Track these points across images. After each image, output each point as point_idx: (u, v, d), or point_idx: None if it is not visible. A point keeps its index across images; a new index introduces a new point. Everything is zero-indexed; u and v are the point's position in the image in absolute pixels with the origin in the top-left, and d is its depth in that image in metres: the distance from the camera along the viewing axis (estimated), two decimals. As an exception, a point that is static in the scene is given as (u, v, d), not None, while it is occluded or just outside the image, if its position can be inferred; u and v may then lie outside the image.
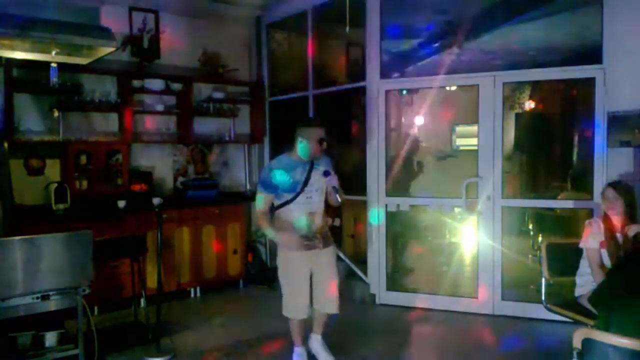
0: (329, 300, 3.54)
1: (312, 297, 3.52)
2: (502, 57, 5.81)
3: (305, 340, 3.70)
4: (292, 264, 3.48)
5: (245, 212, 6.11)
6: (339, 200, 3.39)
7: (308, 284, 3.48)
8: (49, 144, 5.00)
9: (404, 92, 6.74)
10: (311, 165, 3.44)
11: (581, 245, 3.57)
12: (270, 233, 3.48)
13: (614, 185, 3.57)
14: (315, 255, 3.49)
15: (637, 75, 4.13)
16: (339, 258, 5.65)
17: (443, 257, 6.48)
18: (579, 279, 3.63)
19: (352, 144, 6.13)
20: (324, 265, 3.53)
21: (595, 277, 3.47)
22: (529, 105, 7.78)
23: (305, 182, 3.39)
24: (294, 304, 3.50)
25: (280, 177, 3.37)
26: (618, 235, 3.47)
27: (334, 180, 3.37)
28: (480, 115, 4.79)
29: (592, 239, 3.52)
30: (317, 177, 3.43)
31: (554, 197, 5.75)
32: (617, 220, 3.50)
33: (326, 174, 3.38)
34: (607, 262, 3.46)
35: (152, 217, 4.81)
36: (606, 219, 3.52)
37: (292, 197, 3.39)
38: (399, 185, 5.74)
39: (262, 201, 3.43)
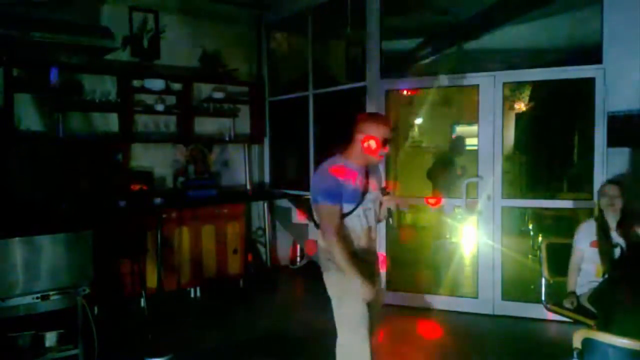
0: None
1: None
2: (502, 57, 5.80)
3: None
4: (360, 305, 2.69)
5: (245, 211, 6.11)
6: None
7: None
8: (49, 144, 4.99)
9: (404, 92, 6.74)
10: (367, 170, 2.81)
11: (574, 243, 3.63)
12: (345, 265, 2.63)
13: (616, 182, 3.61)
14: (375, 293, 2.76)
15: (637, 75, 4.13)
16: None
17: (443, 257, 6.47)
18: (578, 279, 3.64)
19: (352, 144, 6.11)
20: (378, 301, 2.88)
21: (569, 275, 3.59)
22: (529, 105, 7.78)
23: (365, 191, 2.75)
24: (360, 349, 2.70)
25: (342, 183, 2.67)
26: (613, 234, 3.49)
27: (392, 203, 2.80)
28: (480, 115, 4.79)
29: (582, 239, 3.59)
30: (373, 184, 2.83)
31: (554, 197, 5.75)
32: (612, 219, 3.52)
33: (383, 191, 2.82)
34: (599, 261, 3.50)
35: (152, 217, 4.82)
36: (601, 217, 3.55)
37: (353, 208, 2.72)
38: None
39: (334, 215, 2.65)
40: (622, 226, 3.49)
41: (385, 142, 2.69)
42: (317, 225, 2.80)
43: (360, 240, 2.76)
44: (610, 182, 3.65)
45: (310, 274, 5.09)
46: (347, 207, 2.70)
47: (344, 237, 2.70)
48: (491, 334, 4.42)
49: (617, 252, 3.43)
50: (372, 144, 2.68)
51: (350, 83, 5.77)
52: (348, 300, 2.70)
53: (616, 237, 3.50)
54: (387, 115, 2.75)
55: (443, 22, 6.08)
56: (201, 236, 5.51)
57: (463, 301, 4.99)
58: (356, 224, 2.75)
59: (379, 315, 2.97)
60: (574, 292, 3.58)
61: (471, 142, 5.77)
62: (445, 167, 6.09)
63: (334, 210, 2.66)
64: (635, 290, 2.45)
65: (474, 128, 5.00)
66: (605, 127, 4.27)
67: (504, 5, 5.40)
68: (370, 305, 2.72)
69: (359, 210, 2.74)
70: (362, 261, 2.73)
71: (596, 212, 3.64)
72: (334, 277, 2.76)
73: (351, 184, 2.68)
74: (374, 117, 2.86)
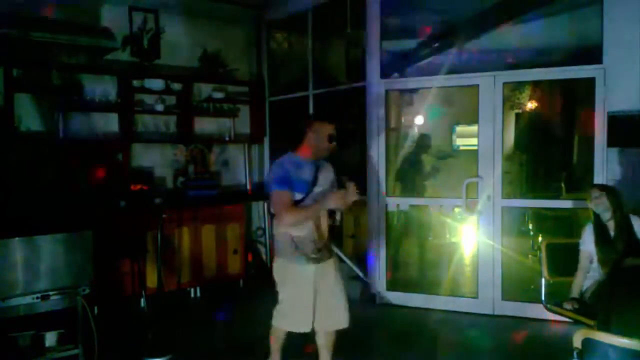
0: (340, 314, 3.24)
1: (315, 319, 3.16)
2: (502, 57, 5.80)
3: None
4: (297, 277, 3.13)
5: (245, 211, 6.11)
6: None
7: (314, 298, 3.14)
8: (49, 144, 4.99)
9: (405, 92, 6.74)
10: (317, 165, 3.16)
11: (579, 246, 3.68)
12: (308, 210, 3.04)
13: (594, 185, 3.84)
14: (322, 269, 3.17)
15: (637, 75, 4.13)
16: (339, 258, 5.69)
17: (443, 256, 6.47)
18: (586, 281, 3.65)
19: (352, 144, 6.12)
20: (332, 278, 3.22)
21: (576, 278, 3.60)
22: (529, 105, 7.78)
23: (314, 182, 3.10)
24: (297, 316, 3.15)
25: (293, 174, 3.04)
26: (611, 233, 3.52)
27: (339, 201, 3.02)
28: (480, 115, 4.80)
29: (587, 241, 3.63)
30: (323, 178, 3.16)
31: (554, 197, 5.75)
32: (606, 215, 3.57)
33: (335, 186, 3.15)
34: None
35: (152, 217, 4.82)
36: (596, 217, 3.61)
37: (302, 197, 3.07)
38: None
39: (286, 196, 2.99)
40: (616, 225, 3.53)
41: (330, 138, 3.11)
42: (271, 215, 3.19)
43: (309, 228, 3.10)
44: (591, 186, 3.81)
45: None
46: (297, 196, 3.05)
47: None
48: (491, 334, 4.41)
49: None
50: (320, 140, 3.09)
51: (350, 83, 5.78)
52: (288, 283, 3.17)
53: (612, 235, 3.56)
54: (328, 116, 3.32)
55: (443, 22, 6.08)
56: (201, 236, 5.51)
57: (463, 301, 4.99)
58: None
59: (340, 284, 3.27)
60: (575, 298, 3.56)
61: (471, 142, 5.77)
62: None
63: (285, 195, 3.01)
64: (635, 290, 2.45)
65: (474, 128, 5.00)
66: (606, 127, 4.27)
67: (504, 5, 5.40)
68: (323, 276, 3.15)
69: (308, 200, 3.08)
70: (312, 243, 3.11)
71: (592, 216, 3.67)
72: (279, 264, 3.20)
73: (301, 176, 3.06)
74: (320, 119, 3.29)
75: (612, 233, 3.56)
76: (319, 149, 3.12)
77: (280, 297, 3.24)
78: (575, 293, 3.60)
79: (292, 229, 3.08)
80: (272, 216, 3.27)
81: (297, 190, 3.04)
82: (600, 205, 3.57)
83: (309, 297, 3.13)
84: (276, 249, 3.25)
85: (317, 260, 3.14)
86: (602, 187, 3.69)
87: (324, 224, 3.23)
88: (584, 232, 3.68)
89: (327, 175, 3.20)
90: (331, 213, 3.23)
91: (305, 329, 3.18)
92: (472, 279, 5.14)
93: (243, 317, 4.90)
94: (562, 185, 6.67)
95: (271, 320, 3.31)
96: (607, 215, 3.57)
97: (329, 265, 3.24)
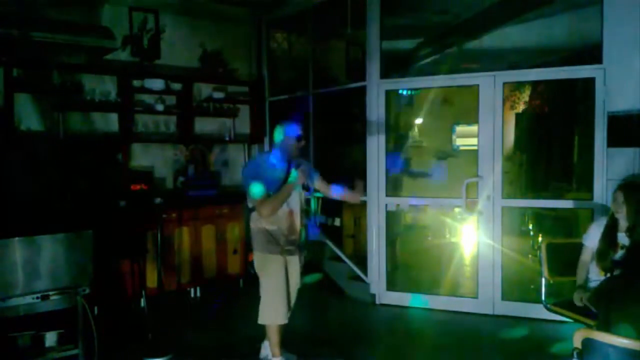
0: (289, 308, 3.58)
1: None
2: (502, 57, 5.80)
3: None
4: (274, 267, 3.46)
5: (246, 211, 6.10)
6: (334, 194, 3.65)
7: (287, 288, 3.50)
8: (49, 144, 4.99)
9: (405, 92, 6.74)
10: (289, 164, 3.47)
11: (583, 240, 3.63)
12: (279, 195, 3.34)
13: (623, 189, 3.51)
14: (290, 262, 3.54)
15: (637, 75, 4.13)
16: (339, 259, 5.70)
17: (443, 256, 6.47)
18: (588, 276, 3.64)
19: (352, 144, 6.12)
20: (295, 272, 3.59)
21: (578, 271, 3.56)
22: (529, 105, 7.77)
23: (285, 180, 3.39)
24: (276, 309, 3.45)
25: (266, 172, 3.39)
26: (620, 234, 3.47)
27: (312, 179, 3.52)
28: (480, 115, 4.79)
29: (591, 237, 3.57)
30: (300, 178, 3.45)
31: (554, 197, 5.75)
32: (624, 222, 3.47)
33: (304, 186, 3.52)
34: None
35: (152, 217, 4.83)
36: (612, 218, 3.52)
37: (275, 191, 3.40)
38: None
39: (261, 188, 3.31)
40: (631, 228, 3.40)
41: (299, 139, 3.47)
42: (251, 210, 3.50)
43: (282, 220, 3.43)
44: (620, 188, 3.54)
45: (310, 273, 5.08)
46: (272, 190, 3.34)
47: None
48: (491, 334, 4.42)
49: (621, 253, 3.40)
50: (290, 140, 3.45)
51: (350, 83, 5.77)
52: (267, 273, 3.46)
53: (623, 239, 3.44)
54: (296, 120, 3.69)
55: (443, 22, 6.09)
56: (201, 236, 5.52)
57: (463, 301, 4.99)
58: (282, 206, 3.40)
59: (298, 280, 3.63)
60: (582, 286, 3.52)
61: (471, 142, 5.77)
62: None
63: (260, 186, 3.31)
64: (634, 290, 2.45)
65: (474, 128, 4.99)
66: (605, 127, 4.27)
67: (504, 5, 5.40)
68: (290, 269, 3.51)
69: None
70: (284, 237, 3.44)
71: (610, 213, 3.59)
72: (258, 256, 3.51)
73: (274, 173, 3.39)
74: (289, 122, 3.60)
75: (621, 234, 3.44)
76: (289, 149, 3.48)
77: (261, 289, 3.52)
78: (580, 281, 3.54)
79: (267, 223, 3.42)
80: (249, 210, 3.60)
81: (270, 185, 3.34)
82: (620, 214, 3.44)
83: (283, 286, 3.46)
84: (253, 243, 3.53)
85: (288, 252, 3.49)
86: (628, 195, 3.42)
87: (297, 221, 3.53)
88: (591, 229, 3.60)
89: (303, 175, 3.45)
90: (307, 192, 3.58)
91: (283, 320, 3.48)
92: (472, 279, 5.14)
93: (243, 317, 4.89)
94: (562, 185, 6.67)
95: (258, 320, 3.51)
96: (624, 222, 3.44)
97: (297, 262, 3.59)
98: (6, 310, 3.12)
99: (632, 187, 3.52)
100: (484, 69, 4.90)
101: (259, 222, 3.46)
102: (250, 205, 3.48)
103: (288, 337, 3.66)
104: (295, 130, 3.49)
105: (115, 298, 4.86)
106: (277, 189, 3.35)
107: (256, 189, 3.32)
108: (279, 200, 3.34)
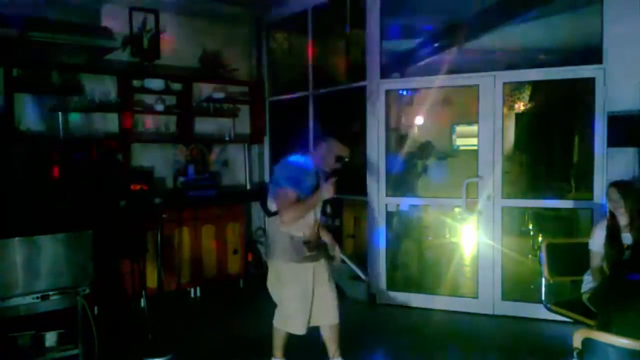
0: (331, 311, 3.43)
1: (312, 315, 3.36)
2: (502, 57, 5.80)
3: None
4: (295, 274, 3.30)
5: (245, 211, 6.11)
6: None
7: (312, 296, 3.34)
8: (49, 144, 4.99)
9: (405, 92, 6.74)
10: (318, 174, 3.32)
11: (589, 246, 3.60)
12: (308, 202, 3.18)
13: (616, 185, 3.53)
14: (318, 267, 3.38)
15: (637, 75, 4.13)
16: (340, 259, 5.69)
17: (443, 256, 6.47)
18: (587, 276, 3.63)
19: (352, 144, 6.11)
20: (325, 277, 3.42)
21: (593, 278, 3.51)
22: (529, 105, 7.77)
23: (316, 188, 3.24)
24: (295, 319, 3.31)
25: (305, 178, 3.23)
26: (624, 235, 3.46)
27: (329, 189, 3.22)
28: (480, 115, 4.79)
29: (596, 241, 3.54)
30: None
31: (554, 197, 5.74)
32: (624, 220, 3.47)
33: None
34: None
35: (152, 217, 4.83)
36: (612, 218, 3.52)
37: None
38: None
39: (292, 199, 3.14)
40: (632, 227, 3.41)
41: (338, 159, 3.34)
42: (267, 214, 3.36)
43: (308, 229, 3.28)
44: (612, 185, 3.55)
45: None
46: (302, 197, 3.18)
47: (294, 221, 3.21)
48: (491, 334, 4.42)
49: (627, 254, 3.38)
50: (330, 156, 3.32)
51: (350, 83, 5.78)
52: (287, 281, 3.30)
53: (627, 239, 3.44)
54: (348, 141, 3.55)
55: (443, 22, 6.08)
56: (201, 236, 5.52)
57: (463, 301, 4.99)
58: (310, 214, 3.28)
59: (331, 283, 3.47)
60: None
61: (471, 142, 5.77)
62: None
63: (292, 195, 3.15)
64: (634, 290, 2.45)
65: (474, 128, 4.99)
66: (605, 127, 4.27)
67: (504, 5, 5.40)
68: (317, 275, 3.34)
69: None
70: (308, 243, 3.28)
71: (608, 214, 3.59)
72: (279, 265, 3.33)
73: (309, 179, 3.22)
74: (339, 140, 3.44)
75: (625, 234, 3.44)
76: (325, 163, 3.34)
77: (280, 298, 3.38)
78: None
79: (292, 229, 3.23)
80: (266, 214, 3.41)
81: (304, 192, 3.19)
82: (619, 210, 3.44)
83: (307, 298, 3.31)
84: (274, 250, 3.34)
85: (313, 259, 3.33)
86: (622, 190, 3.45)
87: (316, 226, 3.39)
88: (594, 233, 3.59)
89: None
90: (323, 210, 3.42)
91: (300, 331, 3.34)
92: (472, 279, 5.14)
93: (243, 316, 4.90)
94: (563, 185, 6.66)
95: (272, 319, 3.45)
96: (624, 220, 3.44)
97: (323, 264, 3.43)
98: (6, 310, 3.12)
99: (623, 182, 3.59)
100: (484, 69, 4.90)
101: (284, 227, 3.25)
102: (272, 208, 3.29)
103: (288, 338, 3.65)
104: (342, 150, 3.38)
105: (115, 298, 4.86)
106: (306, 197, 3.20)
107: (285, 195, 3.16)
108: (304, 209, 3.19)
